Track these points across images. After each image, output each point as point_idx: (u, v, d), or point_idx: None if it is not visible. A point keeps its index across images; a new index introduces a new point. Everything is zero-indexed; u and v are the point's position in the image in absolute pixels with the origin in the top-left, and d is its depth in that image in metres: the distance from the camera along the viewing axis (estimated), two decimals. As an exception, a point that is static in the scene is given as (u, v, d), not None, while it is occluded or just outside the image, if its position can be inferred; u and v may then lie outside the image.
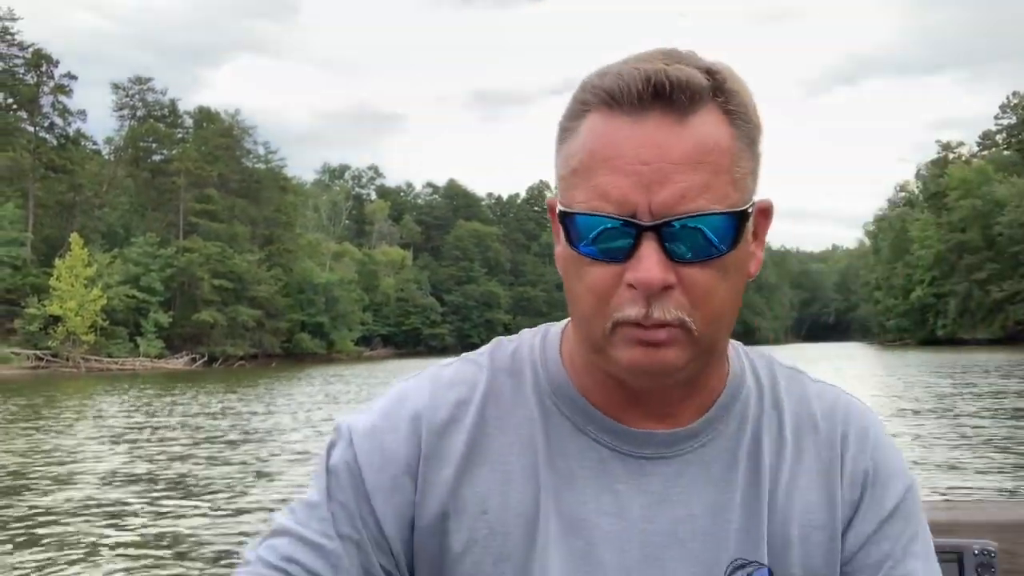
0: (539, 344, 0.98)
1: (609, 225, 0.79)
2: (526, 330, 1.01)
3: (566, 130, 0.85)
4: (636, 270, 0.79)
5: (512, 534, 0.89)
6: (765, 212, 0.89)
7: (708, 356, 0.87)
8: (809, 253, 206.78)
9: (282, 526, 0.91)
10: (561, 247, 0.87)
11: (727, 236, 0.80)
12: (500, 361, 0.97)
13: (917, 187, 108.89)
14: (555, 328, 1.00)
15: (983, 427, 15.69)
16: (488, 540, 0.90)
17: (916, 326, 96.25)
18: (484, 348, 1.00)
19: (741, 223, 0.81)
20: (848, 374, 35.13)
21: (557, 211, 0.85)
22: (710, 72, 0.81)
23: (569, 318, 0.93)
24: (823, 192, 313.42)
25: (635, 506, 0.90)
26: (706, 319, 0.82)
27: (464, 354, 1.00)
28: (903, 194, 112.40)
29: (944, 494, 9.79)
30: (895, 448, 0.98)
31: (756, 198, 0.85)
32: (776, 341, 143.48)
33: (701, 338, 0.83)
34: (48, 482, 11.74)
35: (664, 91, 0.78)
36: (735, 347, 0.99)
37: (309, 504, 0.91)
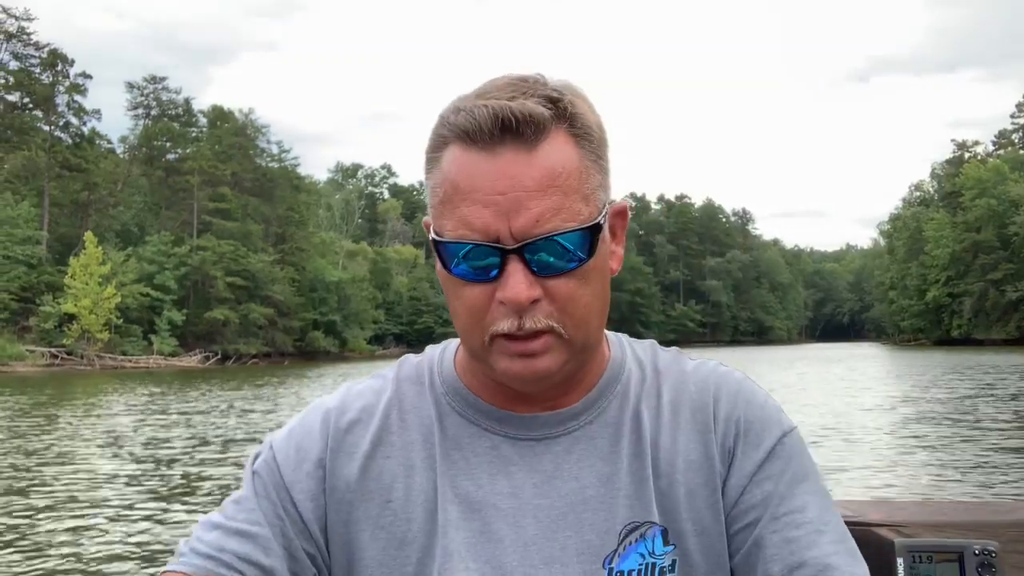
0: (438, 356, 1.09)
1: (476, 250, 0.90)
2: (431, 346, 1.12)
3: (430, 160, 0.94)
4: (504, 289, 0.89)
5: (415, 520, 0.98)
6: (621, 213, 1.00)
7: (581, 355, 0.97)
8: (823, 253, 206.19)
9: (211, 521, 0.99)
10: (439, 267, 0.96)
11: (583, 248, 0.91)
12: (405, 373, 1.08)
13: (932, 186, 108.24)
14: (454, 342, 1.10)
15: (995, 428, 15.58)
16: (393, 526, 0.99)
17: (931, 326, 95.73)
18: (392, 364, 1.10)
19: (595, 235, 0.92)
20: (865, 374, 34.92)
21: (431, 238, 0.95)
22: (553, 100, 0.91)
23: None
24: (837, 191, 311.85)
25: (529, 485, 0.98)
26: (575, 323, 0.93)
27: (375, 371, 1.11)
28: (918, 194, 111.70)
29: (971, 497, 9.71)
30: (770, 402, 1.05)
31: (610, 203, 0.96)
32: (789, 341, 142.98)
33: (573, 340, 0.93)
34: (42, 480, 11.81)
35: (511, 126, 0.88)
36: (619, 338, 1.10)
37: (236, 500, 1.01)
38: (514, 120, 0.88)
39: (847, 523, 1.59)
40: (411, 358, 1.11)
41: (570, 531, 0.97)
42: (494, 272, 0.90)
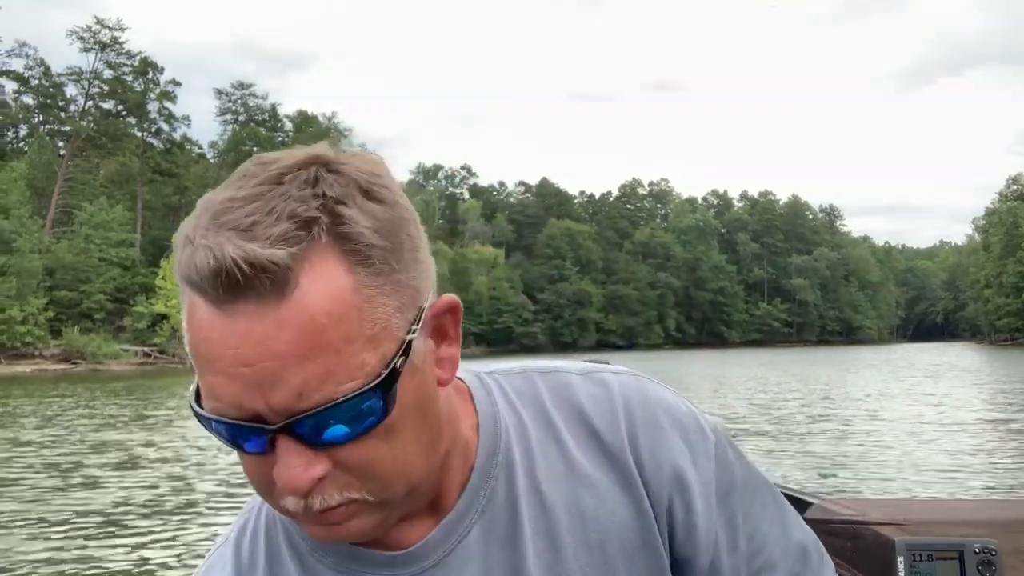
0: None
1: (234, 429, 0.70)
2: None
3: (179, 286, 0.72)
4: (279, 474, 0.70)
5: None
6: (451, 310, 0.78)
7: (405, 503, 0.78)
8: (915, 249, 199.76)
9: None
10: None
11: (375, 407, 0.70)
12: (250, 536, 0.89)
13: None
14: None
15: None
16: None
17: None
18: (233, 528, 0.92)
19: (388, 386, 0.70)
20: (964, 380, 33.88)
21: (191, 393, 0.73)
22: (306, 222, 0.67)
23: None
24: (929, 186, 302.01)
25: None
26: (383, 486, 0.73)
27: (220, 536, 0.93)
28: (1015, 187, 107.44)
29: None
30: (684, 410, 0.88)
31: (425, 308, 0.74)
32: (880, 341, 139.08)
33: (387, 502, 0.75)
34: (107, 474, 12.26)
35: (238, 283, 0.65)
36: (479, 380, 0.89)
37: None
38: (239, 274, 0.65)
39: (848, 522, 1.58)
40: (248, 515, 0.91)
41: None
42: (265, 447, 0.70)
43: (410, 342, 0.71)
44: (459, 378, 0.87)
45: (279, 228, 0.65)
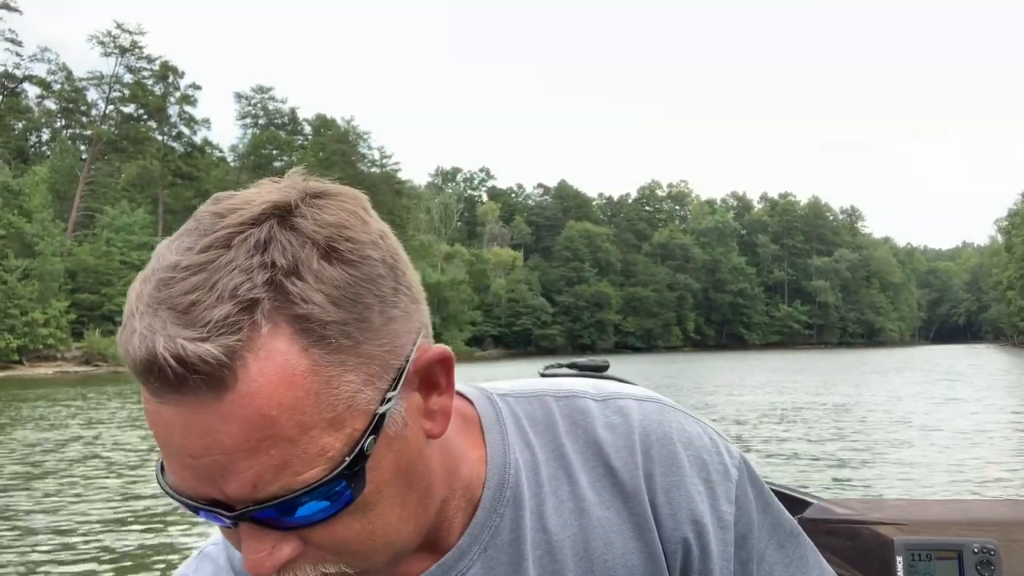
0: None
1: (196, 510, 0.64)
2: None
3: None
4: (244, 555, 0.64)
5: None
6: (442, 361, 0.69)
7: (393, 565, 0.71)
8: (937, 250, 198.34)
9: None
10: None
11: (343, 491, 0.63)
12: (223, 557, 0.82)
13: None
14: None
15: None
16: None
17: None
18: (207, 544, 0.85)
19: (355, 467, 0.62)
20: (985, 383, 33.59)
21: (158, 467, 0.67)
22: (248, 304, 0.59)
23: None
24: (951, 186, 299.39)
25: None
26: (361, 559, 0.67)
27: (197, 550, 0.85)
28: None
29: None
30: (710, 453, 0.82)
31: (408, 362, 0.66)
32: (902, 343, 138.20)
33: (369, 571, 0.68)
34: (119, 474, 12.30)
35: (171, 381, 0.59)
36: (489, 404, 0.82)
37: None
38: (171, 372, 0.58)
39: (847, 522, 1.59)
40: (213, 556, 0.82)
41: None
42: (228, 525, 0.64)
43: (383, 415, 0.64)
44: (468, 400, 0.82)
45: (219, 311, 0.58)
